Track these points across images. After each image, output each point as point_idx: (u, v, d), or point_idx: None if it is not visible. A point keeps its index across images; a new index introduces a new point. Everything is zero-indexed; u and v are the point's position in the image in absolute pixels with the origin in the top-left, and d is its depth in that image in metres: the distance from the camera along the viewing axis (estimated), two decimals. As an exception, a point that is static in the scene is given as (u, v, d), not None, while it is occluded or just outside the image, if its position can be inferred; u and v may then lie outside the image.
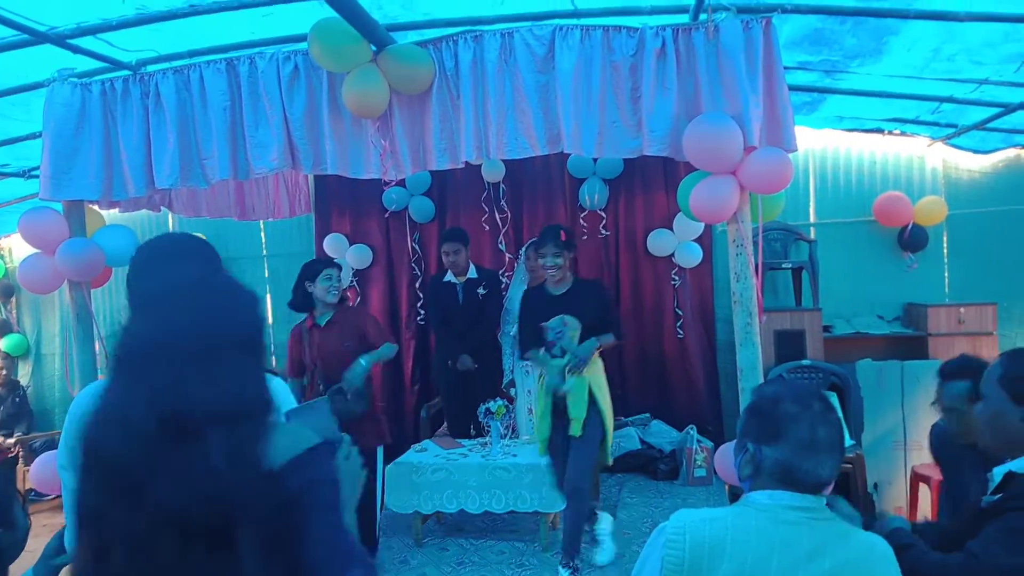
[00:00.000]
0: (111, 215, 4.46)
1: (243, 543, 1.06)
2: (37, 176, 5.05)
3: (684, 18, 3.09)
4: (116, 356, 1.17)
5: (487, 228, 5.99)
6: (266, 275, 6.52)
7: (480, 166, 5.61)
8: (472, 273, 5.19)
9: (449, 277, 5.20)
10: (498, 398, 4.57)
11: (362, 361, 3.74)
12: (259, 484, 1.10)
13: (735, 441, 1.68)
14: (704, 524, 1.50)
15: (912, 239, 5.26)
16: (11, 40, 3.04)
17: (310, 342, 3.91)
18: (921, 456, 4.56)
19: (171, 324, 1.15)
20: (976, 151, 5.19)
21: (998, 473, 1.83)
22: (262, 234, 6.49)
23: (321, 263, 4.03)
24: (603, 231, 5.81)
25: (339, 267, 4.03)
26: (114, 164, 3.46)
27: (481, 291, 5.16)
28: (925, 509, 4.36)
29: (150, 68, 3.49)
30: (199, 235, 1.77)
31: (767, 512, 1.49)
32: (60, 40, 3.05)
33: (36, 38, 3.00)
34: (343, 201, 6.21)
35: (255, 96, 3.34)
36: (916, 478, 4.34)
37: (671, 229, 5.58)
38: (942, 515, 2.66)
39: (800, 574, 1.43)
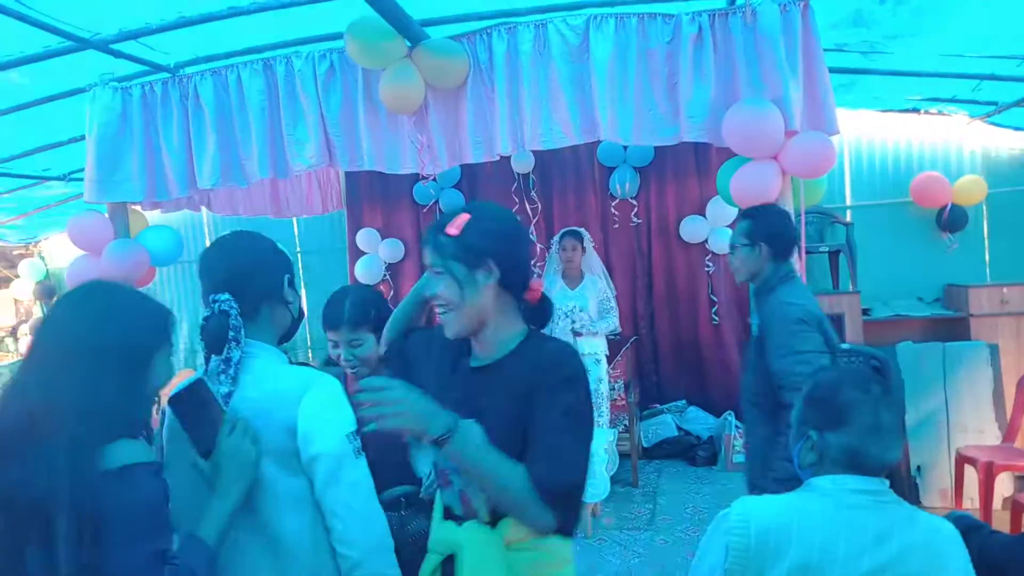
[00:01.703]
0: (150, 215, 4.54)
1: (58, 538, 1.15)
2: (77, 179, 5.16)
3: (721, 3, 3.07)
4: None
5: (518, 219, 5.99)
6: (299, 271, 6.60)
7: (510, 157, 5.62)
8: (503, 264, 5.20)
9: (481, 269, 5.22)
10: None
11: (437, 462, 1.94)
12: (85, 486, 1.18)
13: (790, 430, 1.68)
14: (768, 510, 1.51)
15: (951, 220, 5.18)
16: (56, 48, 3.11)
17: None
18: (966, 438, 4.51)
19: (62, 326, 1.28)
20: (1017, 128, 5.08)
21: None
22: (295, 230, 6.57)
23: (330, 317, 2.17)
24: (635, 219, 5.80)
25: (365, 329, 2.14)
26: (157, 166, 3.53)
27: (513, 282, 5.17)
28: (971, 491, 4.31)
29: (188, 70, 3.54)
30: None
31: (831, 497, 1.49)
32: (103, 46, 3.11)
33: (81, 44, 3.05)
34: (374, 196, 6.26)
35: (292, 95, 3.38)
36: (961, 460, 4.29)
37: (704, 215, 5.55)
38: None
39: (867, 557, 1.43)
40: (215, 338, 1.50)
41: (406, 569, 1.55)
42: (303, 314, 1.79)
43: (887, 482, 1.53)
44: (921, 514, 1.53)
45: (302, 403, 1.48)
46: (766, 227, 2.69)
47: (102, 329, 1.28)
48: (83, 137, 3.95)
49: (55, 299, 1.40)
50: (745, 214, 2.80)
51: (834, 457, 1.53)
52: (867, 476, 1.50)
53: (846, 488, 1.49)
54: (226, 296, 1.53)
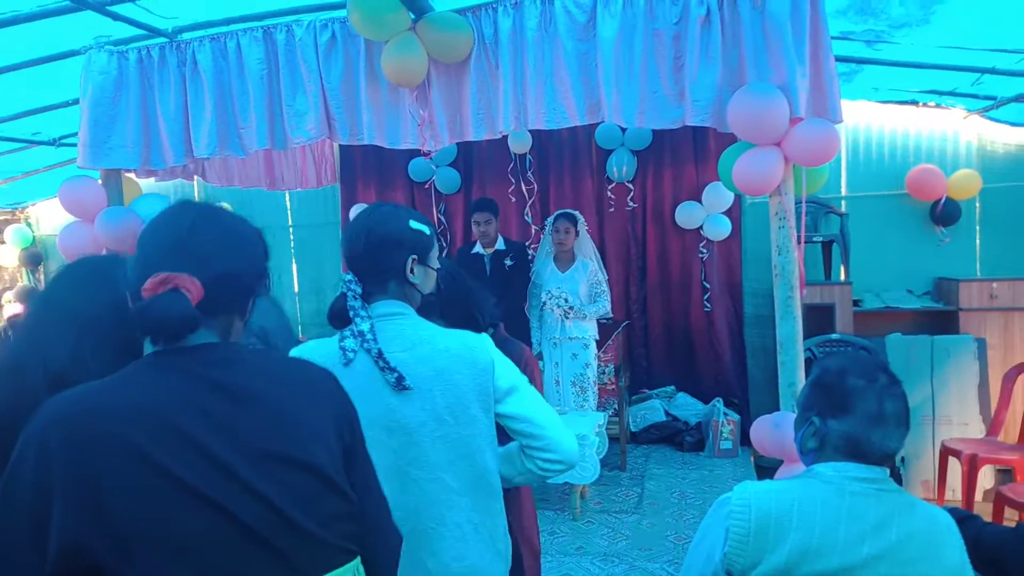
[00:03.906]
0: (143, 182, 4.47)
1: None
2: (67, 144, 5.08)
3: (730, -14, 3.03)
4: (24, 315, 1.32)
5: (513, 200, 5.98)
6: (291, 246, 6.55)
7: (507, 137, 5.58)
8: (500, 245, 5.19)
9: (477, 248, 5.20)
10: (528, 369, 4.58)
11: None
12: None
13: (795, 415, 1.68)
14: (769, 496, 1.51)
15: (945, 213, 5.20)
16: (51, 8, 3.03)
17: None
18: (950, 431, 4.57)
19: (85, 294, 1.29)
20: (1013, 124, 5.10)
21: None
22: (287, 204, 6.51)
23: None
24: (631, 203, 5.79)
25: None
26: (152, 133, 3.46)
27: (508, 263, 5.16)
28: (954, 483, 4.37)
29: (186, 36, 3.47)
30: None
31: (833, 484, 1.50)
32: (100, 7, 3.04)
33: (78, 4, 2.98)
34: (368, 171, 6.21)
35: (292, 65, 3.32)
36: (945, 452, 4.35)
37: (700, 201, 5.55)
38: None
39: (867, 544, 1.44)
40: (337, 317, 1.64)
41: None
42: (440, 290, 1.81)
43: (887, 471, 1.54)
44: (920, 503, 1.54)
45: (488, 347, 1.67)
46: None
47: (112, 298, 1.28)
48: (76, 101, 3.88)
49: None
50: None
51: (835, 444, 1.53)
52: (868, 465, 1.51)
53: (848, 476, 1.50)
54: (350, 276, 1.64)
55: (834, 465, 1.52)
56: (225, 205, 1.23)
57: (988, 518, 3.71)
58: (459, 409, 1.60)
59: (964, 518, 1.79)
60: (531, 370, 2.26)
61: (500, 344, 2.24)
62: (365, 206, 6.08)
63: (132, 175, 3.78)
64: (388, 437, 1.56)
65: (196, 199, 1.25)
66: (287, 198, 6.49)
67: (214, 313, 1.10)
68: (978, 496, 4.25)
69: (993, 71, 4.10)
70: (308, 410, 1.12)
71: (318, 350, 1.63)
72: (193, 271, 1.06)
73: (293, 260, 6.57)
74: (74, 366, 1.16)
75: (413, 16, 3.13)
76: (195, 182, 5.86)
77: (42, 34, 3.40)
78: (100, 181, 3.63)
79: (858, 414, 1.51)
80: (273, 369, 1.15)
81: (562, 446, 1.69)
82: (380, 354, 1.57)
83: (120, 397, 1.01)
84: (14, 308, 6.92)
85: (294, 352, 1.62)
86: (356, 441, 1.20)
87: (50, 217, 7.07)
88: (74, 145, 4.68)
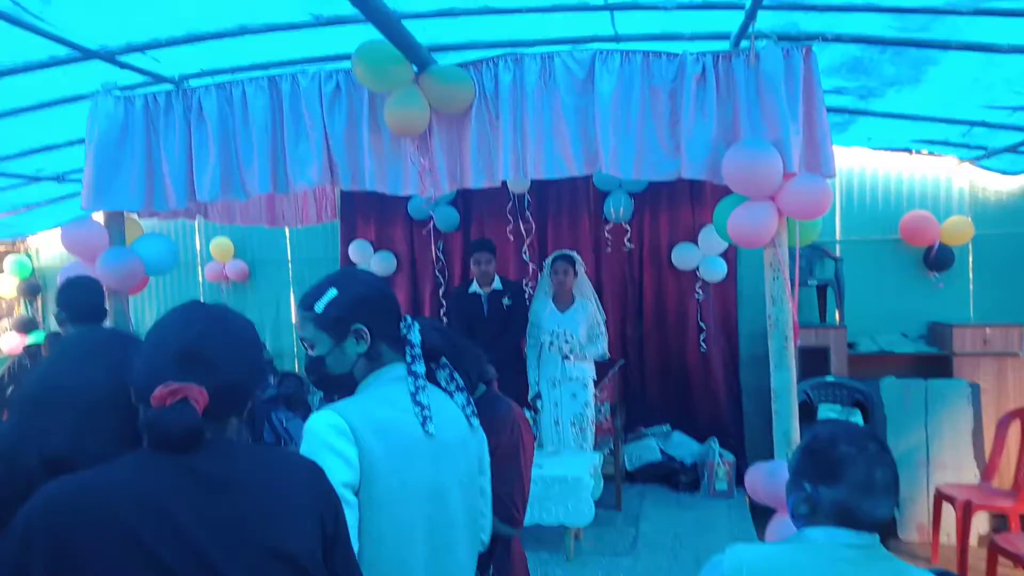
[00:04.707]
0: (145, 221, 4.52)
1: None
2: (70, 180, 5.14)
3: (724, 45, 3.12)
4: (20, 396, 1.31)
5: (511, 239, 6.03)
6: (290, 279, 6.60)
7: (506, 177, 5.66)
8: (497, 284, 5.23)
9: (474, 288, 5.24)
10: (525, 409, 4.60)
11: None
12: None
13: (788, 478, 1.70)
14: (762, 560, 1.53)
15: (938, 258, 5.27)
16: (62, 57, 3.10)
17: None
18: (945, 475, 4.58)
19: (85, 375, 1.26)
20: (1004, 172, 5.19)
21: None
22: (287, 239, 6.56)
23: None
24: (627, 244, 5.85)
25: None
26: (156, 176, 3.51)
27: (506, 302, 5.20)
28: (948, 527, 4.38)
29: (193, 83, 3.54)
30: None
31: (824, 550, 1.52)
32: (109, 57, 3.11)
33: (86, 55, 3.05)
34: (368, 208, 6.28)
35: (296, 113, 3.38)
36: (940, 497, 4.36)
37: (696, 243, 5.62)
38: None
39: (858, 614, 1.46)
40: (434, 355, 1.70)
41: None
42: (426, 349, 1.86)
43: (877, 537, 1.56)
44: (910, 569, 1.56)
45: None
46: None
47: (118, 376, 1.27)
48: (81, 140, 3.94)
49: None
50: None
51: (826, 511, 1.55)
52: (859, 531, 1.53)
53: (839, 542, 1.52)
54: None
55: (825, 530, 1.55)
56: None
57: (983, 564, 3.74)
58: (472, 475, 1.66)
59: (956, 583, 1.81)
60: (520, 429, 2.22)
61: (490, 403, 2.21)
62: (367, 243, 6.10)
63: (134, 215, 3.83)
64: (427, 504, 1.53)
65: (203, 300, 1.24)
66: (287, 233, 6.54)
67: (216, 417, 1.16)
68: (973, 541, 4.25)
69: (984, 124, 4.20)
70: (291, 502, 1.18)
71: (376, 406, 1.53)
72: (201, 380, 1.11)
73: (291, 293, 6.61)
74: (72, 450, 1.17)
75: (416, 69, 3.21)
76: (196, 221, 5.93)
77: (51, 79, 3.47)
78: (100, 218, 3.67)
79: (848, 482, 1.54)
80: (260, 462, 1.21)
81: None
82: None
83: (112, 479, 1.06)
84: (12, 338, 6.93)
85: (343, 405, 1.52)
86: (339, 531, 1.24)
87: (49, 248, 7.11)
88: (77, 181, 4.74)
